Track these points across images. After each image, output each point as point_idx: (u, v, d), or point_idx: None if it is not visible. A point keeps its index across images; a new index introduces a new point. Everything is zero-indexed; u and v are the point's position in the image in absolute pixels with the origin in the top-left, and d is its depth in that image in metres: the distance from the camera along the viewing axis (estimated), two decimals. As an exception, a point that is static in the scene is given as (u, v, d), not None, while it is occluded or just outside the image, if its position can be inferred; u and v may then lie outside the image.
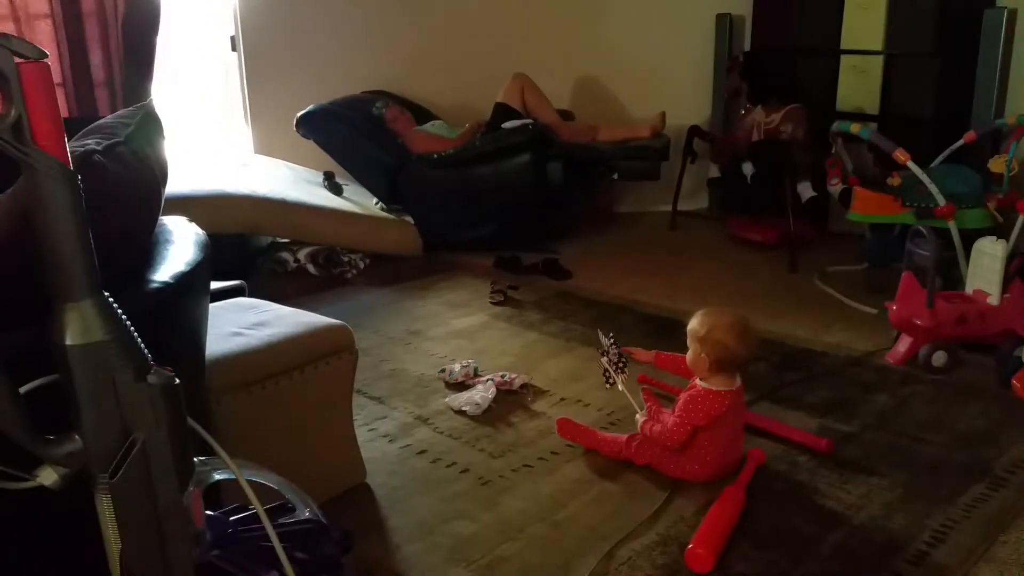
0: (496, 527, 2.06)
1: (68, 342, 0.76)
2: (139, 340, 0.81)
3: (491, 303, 3.61)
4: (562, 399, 2.72)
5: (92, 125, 1.43)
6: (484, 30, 4.84)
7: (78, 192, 0.74)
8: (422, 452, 2.42)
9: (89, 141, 1.23)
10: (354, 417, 2.24)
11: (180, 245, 1.50)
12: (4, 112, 0.69)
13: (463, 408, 2.62)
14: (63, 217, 0.73)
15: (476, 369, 2.87)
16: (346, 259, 3.97)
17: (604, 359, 2.49)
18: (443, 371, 2.88)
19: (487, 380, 2.76)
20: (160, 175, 1.48)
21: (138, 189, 1.38)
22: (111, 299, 0.78)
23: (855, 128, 3.46)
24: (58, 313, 0.76)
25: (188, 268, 1.40)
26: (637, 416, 2.33)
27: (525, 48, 4.82)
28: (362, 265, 3.99)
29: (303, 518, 0.98)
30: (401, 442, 2.48)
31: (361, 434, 2.32)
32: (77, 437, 0.79)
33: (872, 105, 4.33)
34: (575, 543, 1.98)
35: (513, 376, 2.79)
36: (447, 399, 2.70)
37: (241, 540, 0.93)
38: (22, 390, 0.78)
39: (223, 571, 0.89)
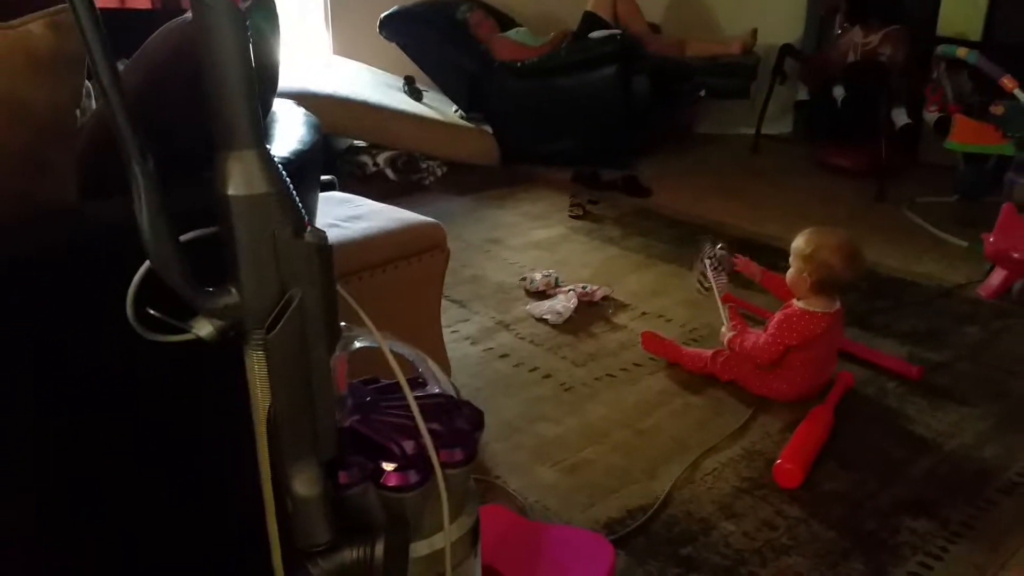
0: (580, 431, 2.07)
1: (231, 192, 0.75)
2: (296, 198, 0.80)
3: (570, 216, 3.58)
4: (643, 313, 2.70)
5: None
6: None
7: (246, 35, 0.72)
8: (504, 356, 2.43)
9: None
10: (440, 319, 2.25)
11: (293, 126, 1.49)
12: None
13: (544, 316, 2.62)
14: (231, 60, 0.72)
15: (557, 279, 2.85)
16: (424, 165, 3.94)
17: (707, 261, 2.42)
18: (524, 279, 2.87)
19: (568, 290, 2.75)
20: (277, 54, 1.46)
21: (257, 63, 1.36)
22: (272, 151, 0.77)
23: (962, 52, 3.29)
24: (222, 162, 0.75)
25: (304, 147, 1.39)
26: (723, 330, 2.30)
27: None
28: (440, 172, 3.97)
29: (435, 392, 0.98)
30: (483, 345, 2.49)
31: (444, 335, 2.33)
32: (234, 291, 0.79)
33: (975, 31, 4.10)
34: (659, 451, 1.99)
35: (595, 288, 2.77)
36: (528, 307, 2.70)
37: (379, 409, 0.93)
38: (182, 238, 0.78)
39: (361, 436, 0.90)
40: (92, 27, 0.69)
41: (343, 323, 0.88)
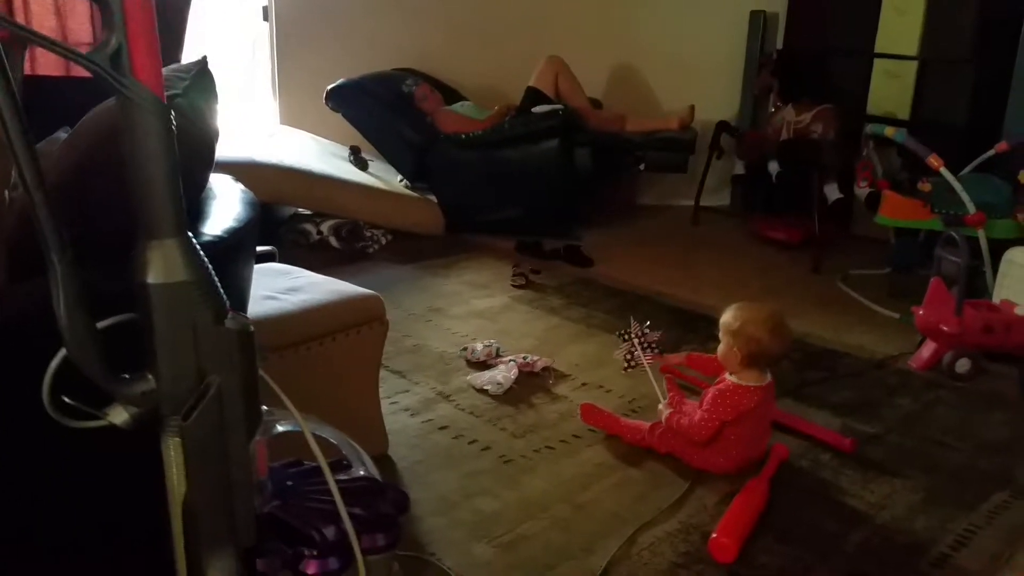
0: (518, 505, 2.06)
1: (151, 280, 0.75)
2: (218, 284, 0.80)
3: (512, 286, 3.60)
4: (584, 384, 2.71)
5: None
6: (517, 13, 4.81)
7: (171, 128, 0.73)
8: (444, 428, 2.42)
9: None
10: (378, 390, 2.24)
11: (229, 202, 1.49)
12: (104, 40, 0.68)
13: (485, 387, 2.62)
14: (155, 153, 0.72)
15: (498, 349, 2.86)
16: (369, 234, 3.96)
17: (634, 339, 2.47)
18: (465, 349, 2.88)
19: (509, 361, 2.76)
20: (214, 131, 1.47)
21: (192, 143, 1.37)
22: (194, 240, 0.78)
23: (890, 132, 3.44)
24: (143, 250, 0.75)
25: (239, 225, 1.40)
26: (660, 406, 2.32)
27: (557, 33, 4.79)
28: (384, 241, 3.98)
29: (359, 475, 0.97)
30: (423, 416, 2.47)
31: (383, 407, 2.31)
32: (151, 377, 0.78)
33: (903, 110, 4.29)
34: (597, 525, 1.98)
35: (535, 359, 2.78)
36: (469, 377, 2.70)
37: (300, 493, 0.92)
38: (100, 326, 0.77)
39: (282, 522, 0.88)
40: (13, 117, 0.70)
41: (264, 407, 0.88)
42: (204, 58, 1.57)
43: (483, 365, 2.80)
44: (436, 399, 2.58)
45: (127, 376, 0.78)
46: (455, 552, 1.87)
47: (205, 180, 1.45)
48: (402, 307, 3.29)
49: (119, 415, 0.78)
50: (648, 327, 2.50)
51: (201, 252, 0.77)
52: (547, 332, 3.14)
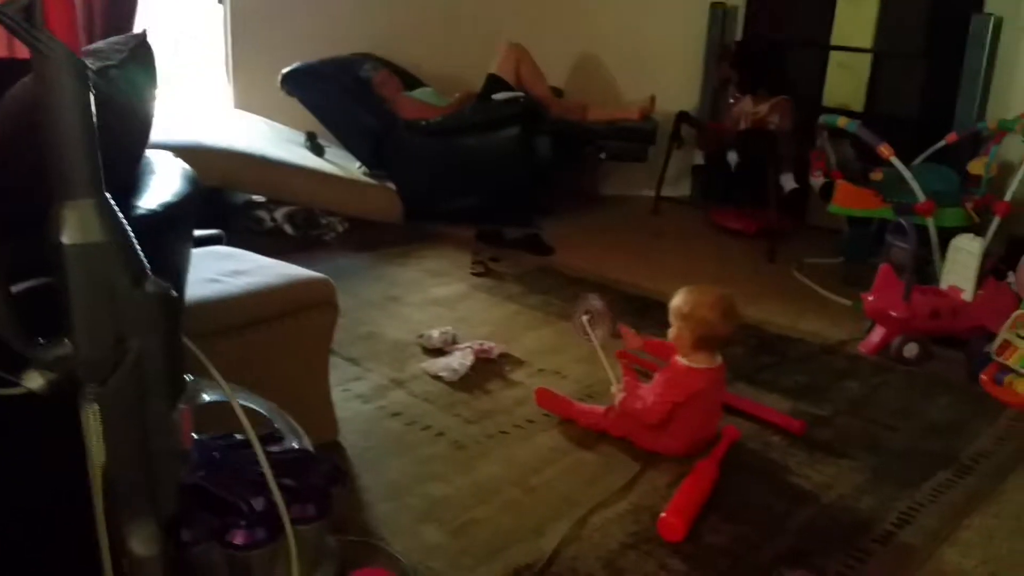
0: (470, 490, 2.05)
1: (65, 241, 0.73)
2: (138, 247, 0.78)
3: (472, 274, 3.59)
4: (540, 370, 2.71)
5: (85, 48, 1.39)
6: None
7: (87, 84, 0.71)
8: (396, 414, 2.40)
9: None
10: (328, 376, 2.22)
11: (167, 177, 1.47)
12: (15, -7, 0.66)
13: (440, 373, 2.61)
14: (70, 109, 0.71)
15: (455, 336, 2.85)
16: (324, 221, 3.92)
17: (584, 317, 2.46)
18: (421, 336, 2.86)
19: (465, 347, 2.75)
20: (150, 104, 1.44)
21: (127, 115, 1.35)
22: (112, 202, 0.76)
23: (842, 122, 3.47)
24: (57, 211, 0.73)
25: (175, 199, 1.37)
26: (613, 389, 2.33)
27: (519, 21, 4.77)
28: (340, 229, 3.95)
29: (292, 447, 0.96)
30: (375, 403, 2.46)
31: (335, 394, 2.29)
32: (68, 342, 0.76)
33: (857, 102, 4.34)
34: (548, 508, 1.99)
35: (491, 345, 2.78)
36: (424, 364, 2.69)
37: (228, 464, 0.91)
38: (14, 289, 0.75)
39: (209, 493, 0.87)
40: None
41: (191, 376, 0.86)
42: (144, 31, 1.54)
43: (439, 352, 2.78)
44: (390, 386, 2.57)
45: (43, 341, 0.76)
46: (405, 537, 1.86)
47: (140, 152, 1.42)
48: (358, 295, 3.26)
49: (35, 380, 0.76)
50: (596, 299, 2.47)
51: (119, 214, 0.75)
52: (505, 319, 3.14)
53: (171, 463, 0.82)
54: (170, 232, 1.28)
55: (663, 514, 1.90)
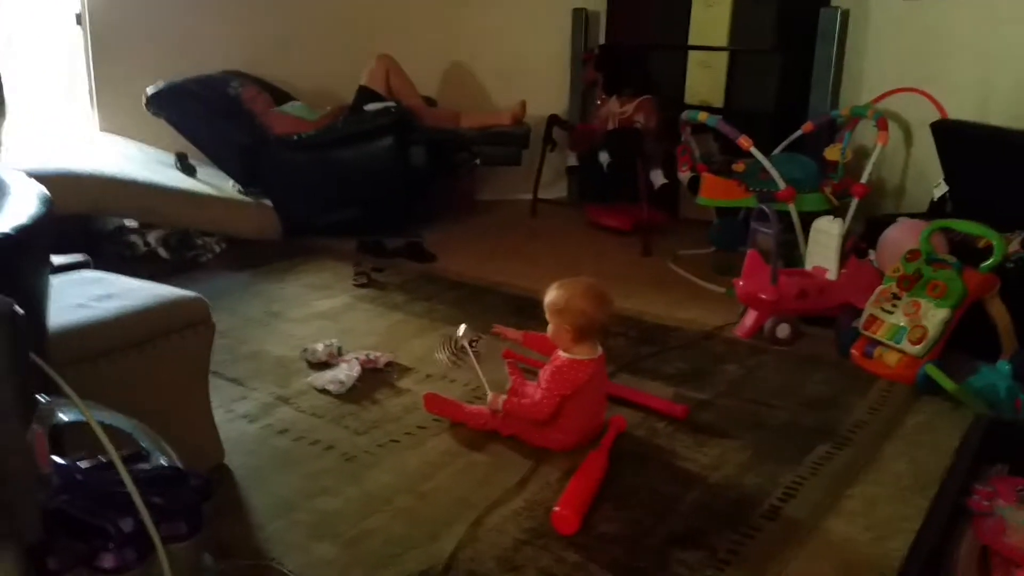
0: (361, 501, 2.03)
1: None
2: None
3: (354, 285, 3.56)
4: (428, 376, 2.71)
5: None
6: (346, 14, 4.76)
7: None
8: (283, 431, 2.35)
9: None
10: (210, 399, 2.15)
11: (19, 198, 1.39)
12: None
13: (326, 387, 2.57)
14: None
15: (340, 348, 2.82)
16: (200, 242, 3.80)
17: (467, 345, 2.49)
18: (305, 351, 2.81)
19: (351, 359, 2.72)
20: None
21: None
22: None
23: (703, 116, 3.61)
24: None
25: (29, 221, 1.30)
26: (489, 397, 2.32)
27: (387, 33, 4.77)
28: (218, 249, 3.84)
29: (159, 465, 0.93)
30: (261, 422, 2.40)
31: (218, 416, 2.22)
32: (-97, 369, 0.72)
33: (718, 98, 4.51)
34: (442, 513, 1.98)
35: (378, 355, 2.76)
36: (309, 378, 2.64)
37: (92, 486, 0.87)
38: None
39: (73, 518, 0.83)
40: None
41: (44, 396, 0.82)
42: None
43: (324, 365, 2.74)
44: (275, 403, 2.51)
45: None
46: (296, 554, 1.82)
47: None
48: (238, 313, 3.18)
49: None
50: (466, 330, 2.53)
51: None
52: (390, 328, 3.12)
53: (28, 486, 0.78)
54: (25, 255, 1.22)
55: (556, 508, 1.92)
